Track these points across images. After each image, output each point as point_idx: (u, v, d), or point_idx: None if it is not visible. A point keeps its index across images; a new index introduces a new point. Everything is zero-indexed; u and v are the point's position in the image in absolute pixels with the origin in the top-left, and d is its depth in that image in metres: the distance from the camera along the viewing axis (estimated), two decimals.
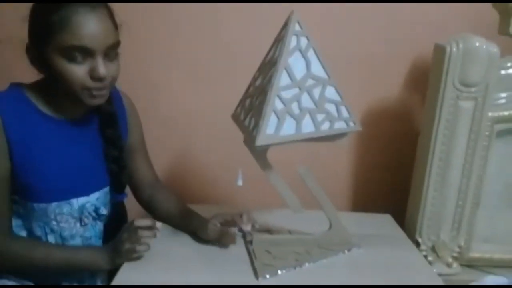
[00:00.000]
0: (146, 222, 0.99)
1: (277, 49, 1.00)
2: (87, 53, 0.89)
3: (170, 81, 1.46)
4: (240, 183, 1.01)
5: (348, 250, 1.12)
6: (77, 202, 1.02)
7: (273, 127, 0.94)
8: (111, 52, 0.93)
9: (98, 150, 1.07)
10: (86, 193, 1.04)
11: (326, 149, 1.27)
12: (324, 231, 1.12)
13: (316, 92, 1.00)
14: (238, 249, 1.10)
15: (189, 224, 1.14)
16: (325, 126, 1.01)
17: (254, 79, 1.06)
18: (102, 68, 0.90)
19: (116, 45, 0.93)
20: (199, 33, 1.41)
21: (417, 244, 1.27)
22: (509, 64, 1.19)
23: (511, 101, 1.21)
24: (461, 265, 1.28)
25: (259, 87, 1.01)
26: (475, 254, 1.30)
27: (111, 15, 0.93)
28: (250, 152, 1.05)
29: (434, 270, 1.16)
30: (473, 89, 1.16)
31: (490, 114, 1.20)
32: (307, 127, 0.98)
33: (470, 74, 1.15)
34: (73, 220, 1.03)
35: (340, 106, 1.03)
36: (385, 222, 1.32)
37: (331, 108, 1.01)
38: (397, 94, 1.46)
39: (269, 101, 0.93)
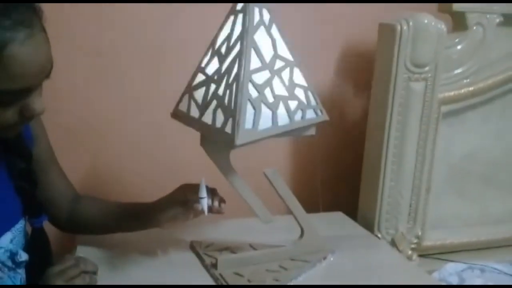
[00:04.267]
0: (92, 266, 0.73)
1: (235, 25, 0.82)
2: (23, 93, 0.64)
3: (74, 78, 1.15)
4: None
5: (324, 258, 0.97)
6: None
7: (251, 121, 0.75)
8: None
9: None
10: None
11: (265, 146, 1.10)
12: (296, 240, 0.96)
13: (285, 76, 0.84)
14: (199, 277, 0.89)
15: (134, 218, 0.92)
16: (298, 116, 0.85)
17: (204, 65, 0.86)
18: (40, 103, 0.67)
19: (52, 68, 0.68)
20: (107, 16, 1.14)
21: None
22: (453, 42, 1.15)
23: (455, 81, 1.18)
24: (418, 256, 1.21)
25: (217, 73, 0.81)
26: (427, 242, 1.25)
27: (44, 29, 0.65)
28: (208, 155, 0.85)
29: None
30: (426, 69, 1.10)
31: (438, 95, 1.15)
32: (282, 118, 0.81)
33: (421, 54, 1.08)
34: None
35: (308, 92, 0.88)
36: (340, 221, 1.20)
37: (300, 94, 0.86)
38: (332, 81, 1.33)
39: (243, 87, 0.75)
